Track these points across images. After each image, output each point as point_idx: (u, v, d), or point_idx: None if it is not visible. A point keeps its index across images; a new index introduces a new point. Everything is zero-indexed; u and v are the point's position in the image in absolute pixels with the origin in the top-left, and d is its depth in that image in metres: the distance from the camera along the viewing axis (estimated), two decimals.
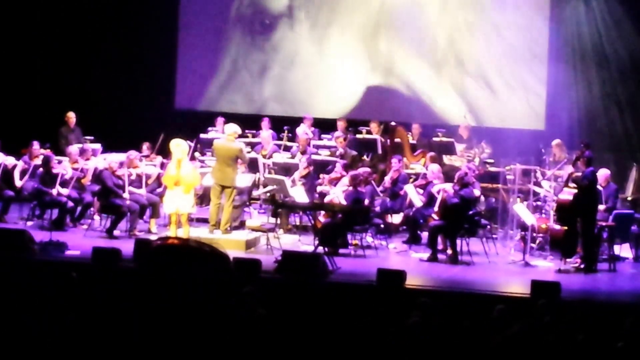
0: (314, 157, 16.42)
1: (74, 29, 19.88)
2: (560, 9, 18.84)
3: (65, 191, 15.11)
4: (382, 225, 15.18)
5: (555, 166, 15.55)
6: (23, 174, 15.77)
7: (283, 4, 20.38)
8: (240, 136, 15.35)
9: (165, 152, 15.73)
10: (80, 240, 14.07)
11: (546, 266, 13.83)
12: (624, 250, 14.57)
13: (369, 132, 17.57)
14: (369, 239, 14.77)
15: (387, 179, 15.70)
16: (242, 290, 8.83)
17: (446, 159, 16.98)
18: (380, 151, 17.15)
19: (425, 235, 14.57)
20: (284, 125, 18.28)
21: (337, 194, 14.73)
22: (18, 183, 15.68)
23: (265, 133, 17.61)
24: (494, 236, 15.15)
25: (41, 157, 15.63)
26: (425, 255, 14.02)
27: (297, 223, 15.90)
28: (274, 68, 20.39)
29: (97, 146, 16.89)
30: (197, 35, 20.50)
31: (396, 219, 15.41)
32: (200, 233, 14.13)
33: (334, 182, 15.44)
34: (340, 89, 20.05)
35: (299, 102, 20.15)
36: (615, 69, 18.46)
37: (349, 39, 20.01)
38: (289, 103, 20.24)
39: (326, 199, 14.91)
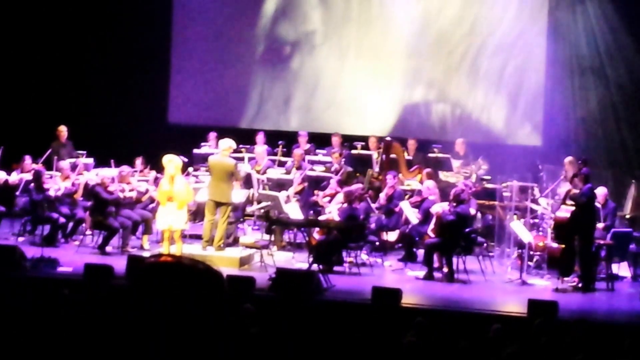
0: (308, 172, 16.27)
1: (67, 43, 19.77)
2: (558, 23, 18.69)
3: (68, 182, 14.98)
4: (377, 243, 15.05)
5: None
6: (15, 189, 15.64)
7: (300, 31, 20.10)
8: (234, 151, 15.23)
9: (159, 168, 15.58)
10: (72, 257, 13.95)
11: (543, 285, 13.70)
12: (622, 269, 14.46)
13: (364, 148, 17.42)
14: (364, 256, 14.64)
15: (382, 196, 15.53)
16: (235, 308, 8.71)
17: (442, 175, 16.81)
18: (376, 167, 16.99)
19: (421, 253, 14.45)
20: (279, 139, 18.08)
21: (332, 212, 14.60)
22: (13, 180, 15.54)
23: (260, 148, 17.42)
24: (490, 254, 15.04)
25: (32, 171, 15.50)
26: (421, 273, 13.89)
27: (292, 240, 15.76)
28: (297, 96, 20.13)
29: (90, 161, 16.75)
30: (190, 50, 20.39)
31: (391, 236, 15.26)
32: (193, 249, 14.01)
33: (329, 198, 15.30)
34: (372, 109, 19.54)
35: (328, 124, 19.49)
36: (614, 84, 18.32)
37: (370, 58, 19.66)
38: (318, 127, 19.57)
39: (321, 218, 14.79)
